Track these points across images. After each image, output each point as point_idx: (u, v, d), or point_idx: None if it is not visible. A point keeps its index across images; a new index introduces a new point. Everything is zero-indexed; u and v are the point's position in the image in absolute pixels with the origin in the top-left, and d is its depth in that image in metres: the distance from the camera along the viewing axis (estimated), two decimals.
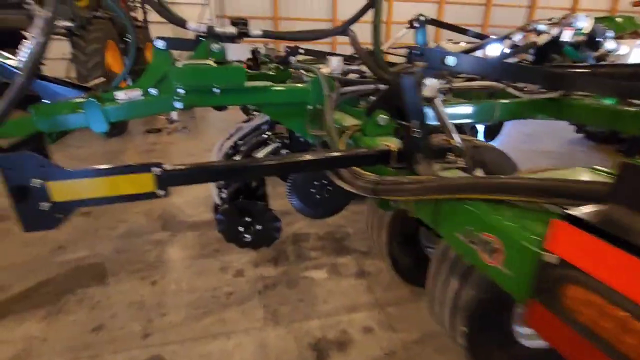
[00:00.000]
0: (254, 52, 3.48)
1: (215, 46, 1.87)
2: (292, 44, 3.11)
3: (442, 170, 0.90)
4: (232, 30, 1.86)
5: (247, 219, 1.89)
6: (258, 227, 1.92)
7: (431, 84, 1.07)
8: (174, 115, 7.27)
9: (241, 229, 1.89)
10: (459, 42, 3.43)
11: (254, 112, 2.80)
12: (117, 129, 5.62)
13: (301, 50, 3.12)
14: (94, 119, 1.74)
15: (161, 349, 1.67)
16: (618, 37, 3.53)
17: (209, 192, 3.42)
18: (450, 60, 1.22)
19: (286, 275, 2.25)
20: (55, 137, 1.80)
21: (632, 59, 2.42)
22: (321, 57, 3.34)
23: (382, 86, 1.78)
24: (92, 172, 0.73)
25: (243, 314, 1.91)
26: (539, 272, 0.47)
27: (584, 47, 2.39)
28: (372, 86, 1.84)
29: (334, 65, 1.83)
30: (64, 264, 2.33)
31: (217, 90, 1.54)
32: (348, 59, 2.60)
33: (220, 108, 7.38)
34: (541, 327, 0.49)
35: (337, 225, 2.85)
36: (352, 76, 2.13)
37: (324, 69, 1.81)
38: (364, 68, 2.14)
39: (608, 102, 2.13)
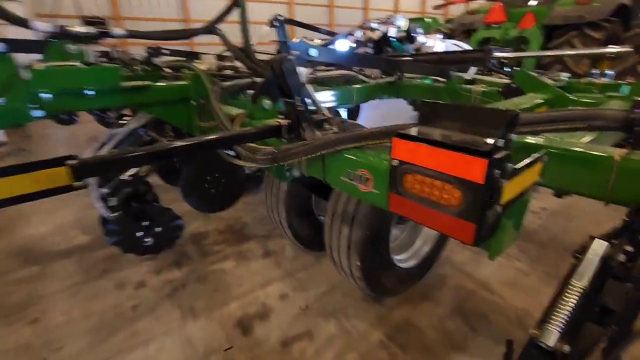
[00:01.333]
0: (108, 54, 3.19)
1: (71, 47, 1.74)
2: (154, 45, 2.99)
3: (322, 136, 1.17)
4: (90, 29, 1.76)
5: (144, 223, 1.84)
6: (158, 229, 1.89)
7: (301, 72, 1.33)
8: (1, 135, 5.85)
9: (139, 234, 1.83)
10: (312, 39, 3.89)
11: (124, 119, 2.62)
12: None
13: (165, 51, 3.04)
14: None
15: None
16: (427, 33, 4.60)
17: (77, 216, 3.05)
18: (313, 52, 1.51)
19: (194, 273, 2.25)
20: None
21: (437, 49, 3.26)
22: (187, 56, 3.31)
23: (257, 78, 1.98)
24: (3, 171, 0.70)
25: (157, 320, 1.86)
26: (390, 174, 0.77)
27: (405, 41, 3.09)
28: (248, 79, 2.02)
29: (211, 62, 1.93)
30: None
31: (90, 92, 1.47)
32: (219, 58, 2.69)
33: (67, 122, 6.32)
34: (398, 208, 0.79)
35: (234, 217, 2.95)
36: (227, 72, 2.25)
37: (202, 66, 1.89)
38: (237, 64, 2.29)
39: (427, 81, 2.85)
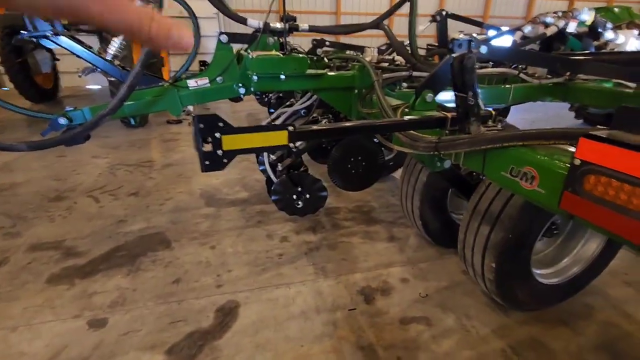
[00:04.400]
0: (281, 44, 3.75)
1: (270, 40, 2.18)
2: (318, 37, 3.39)
3: (487, 131, 1.21)
4: (285, 25, 2.16)
5: (299, 189, 2.20)
6: (308, 195, 2.23)
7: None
8: (191, 107, 7.54)
9: (294, 197, 2.20)
10: (470, 34, 3.72)
11: (289, 100, 3.09)
12: (139, 120, 5.88)
13: (327, 43, 3.40)
14: (171, 104, 2.05)
15: (235, 296, 1.99)
16: (616, 27, 3.84)
17: (240, 175, 3.75)
18: (484, 49, 1.53)
19: (326, 240, 2.57)
20: (139, 120, 2.10)
21: (629, 48, 2.73)
22: (344, 48, 3.62)
23: (416, 72, 2.09)
24: (248, 129, 1.03)
25: (296, 270, 2.23)
26: (570, 172, 0.79)
27: (586, 38, 2.69)
28: (406, 72, 2.14)
29: (374, 54, 2.12)
30: (128, 234, 2.64)
31: (282, 77, 1.84)
32: (379, 51, 2.89)
33: (236, 100, 7.67)
34: (572, 208, 0.80)
35: (363, 200, 3.18)
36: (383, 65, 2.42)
37: (367, 58, 2.10)
38: (395, 57, 2.43)
39: (608, 85, 2.44)
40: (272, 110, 4.31)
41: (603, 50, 2.74)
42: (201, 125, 0.98)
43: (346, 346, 1.69)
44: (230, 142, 1.01)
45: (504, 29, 3.10)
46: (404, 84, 2.18)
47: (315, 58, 3.02)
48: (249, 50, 2.02)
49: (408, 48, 2.34)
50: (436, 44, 3.10)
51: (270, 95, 4.53)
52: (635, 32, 3.09)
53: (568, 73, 2.49)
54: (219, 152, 1.01)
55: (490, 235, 1.61)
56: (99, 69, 2.27)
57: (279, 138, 1.06)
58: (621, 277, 2.13)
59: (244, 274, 2.18)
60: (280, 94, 4.22)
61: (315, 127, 1.11)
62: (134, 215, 2.89)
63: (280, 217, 2.84)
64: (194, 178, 3.71)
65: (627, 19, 7.11)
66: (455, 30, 4.11)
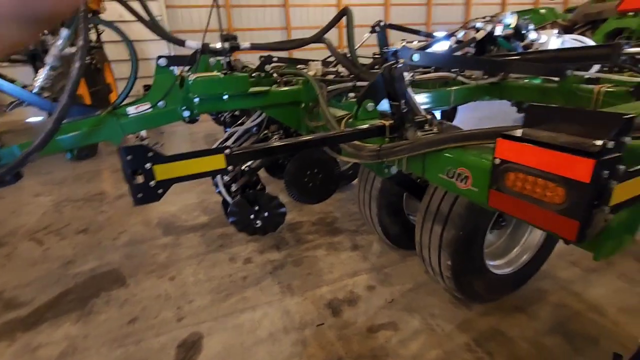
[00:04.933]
0: (229, 63, 3.72)
1: (211, 60, 2.14)
2: (265, 54, 3.39)
3: (423, 136, 1.26)
4: (225, 45, 2.14)
5: (256, 207, 2.16)
6: (266, 214, 2.20)
7: (405, 76, 1.43)
8: (143, 132, 7.26)
9: (252, 217, 2.16)
10: (412, 42, 3.90)
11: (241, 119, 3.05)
12: (86, 151, 5.55)
13: (275, 59, 3.41)
14: (111, 133, 1.95)
15: (197, 327, 1.90)
16: (541, 28, 4.18)
17: (199, 199, 3.63)
18: (416, 57, 1.60)
19: (290, 256, 2.53)
20: (76, 154, 1.97)
21: (550, 46, 2.98)
22: (294, 63, 3.65)
23: (359, 83, 2.14)
24: (181, 156, 1.00)
25: (261, 291, 2.17)
26: (492, 172, 0.83)
27: (513, 39, 2.91)
28: (350, 83, 2.19)
29: (318, 67, 2.16)
30: (78, 275, 2.45)
31: (226, 97, 1.82)
32: (323, 63, 2.94)
33: (191, 121, 7.47)
34: (497, 204, 0.85)
35: (325, 212, 3.18)
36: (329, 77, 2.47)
37: (311, 72, 2.13)
38: (339, 69, 2.49)
39: (536, 81, 2.64)
40: (228, 129, 4.25)
41: (529, 50, 2.97)
42: (129, 157, 0.93)
43: None
44: (163, 171, 0.97)
45: (440, 34, 3.29)
46: (351, 94, 2.22)
47: (263, 75, 3.02)
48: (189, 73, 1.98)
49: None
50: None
51: (225, 114, 4.46)
52: (555, 31, 3.38)
53: (502, 73, 2.67)
54: (152, 183, 0.97)
55: (443, 234, 1.66)
56: (25, 103, 2.12)
57: (216, 162, 1.04)
58: (567, 259, 2.28)
59: (207, 302, 2.09)
60: (236, 113, 4.17)
61: (253, 147, 1.10)
62: (84, 255, 2.69)
63: (242, 238, 2.77)
64: (150, 207, 3.54)
65: (552, 19, 7.83)
66: (399, 39, 4.29)
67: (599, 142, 0.64)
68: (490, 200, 0.86)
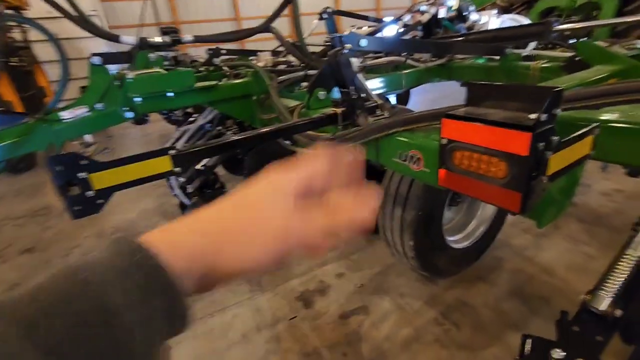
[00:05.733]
0: (176, 58, 3.53)
1: (151, 56, 2.01)
2: (213, 46, 3.25)
3: (375, 121, 1.26)
4: (165, 39, 2.01)
5: None
6: None
7: (353, 62, 1.42)
8: (88, 137, 6.74)
9: None
10: (361, 27, 3.91)
11: (193, 116, 2.92)
12: (24, 162, 5.08)
13: (223, 51, 3.28)
14: (43, 142, 1.78)
15: None
16: (482, 9, 4.36)
17: (157, 203, 3.46)
18: (364, 42, 1.59)
19: None
20: (4, 167, 1.78)
21: (490, 26, 3.11)
22: (244, 54, 3.53)
23: (310, 71, 2.11)
24: (121, 161, 0.91)
25: (230, 292, 2.11)
26: (440, 152, 0.84)
27: (456, 21, 3.00)
28: (301, 73, 2.15)
29: (267, 58, 2.09)
30: None
31: (170, 94, 1.71)
32: (273, 53, 2.87)
33: (140, 122, 7.06)
34: (447, 183, 0.87)
35: None
36: (280, 67, 2.41)
37: (260, 63, 2.06)
38: (290, 58, 2.44)
39: (480, 61, 2.76)
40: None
41: (471, 31, 3.09)
42: (59, 168, 0.84)
43: (292, 357, 1.65)
44: (101, 179, 0.89)
45: (388, 19, 3.32)
46: (303, 84, 2.19)
47: (212, 69, 2.90)
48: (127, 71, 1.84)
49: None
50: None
51: (176, 112, 4.25)
52: (495, 11, 3.54)
53: (448, 54, 2.75)
54: (90, 193, 0.88)
55: (404, 215, 1.70)
56: None
57: (161, 165, 0.97)
58: (520, 226, 2.43)
59: None
60: (188, 110, 3.99)
61: (200, 145, 1.04)
62: (30, 277, 2.47)
63: None
64: (105, 217, 3.31)
65: (490, 0, 8.20)
66: (349, 25, 4.29)
67: (534, 116, 0.66)
68: (440, 179, 0.88)
